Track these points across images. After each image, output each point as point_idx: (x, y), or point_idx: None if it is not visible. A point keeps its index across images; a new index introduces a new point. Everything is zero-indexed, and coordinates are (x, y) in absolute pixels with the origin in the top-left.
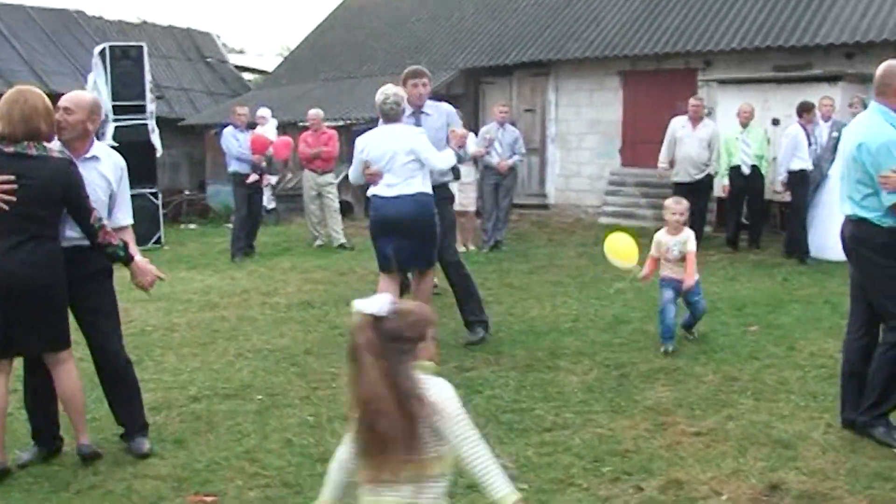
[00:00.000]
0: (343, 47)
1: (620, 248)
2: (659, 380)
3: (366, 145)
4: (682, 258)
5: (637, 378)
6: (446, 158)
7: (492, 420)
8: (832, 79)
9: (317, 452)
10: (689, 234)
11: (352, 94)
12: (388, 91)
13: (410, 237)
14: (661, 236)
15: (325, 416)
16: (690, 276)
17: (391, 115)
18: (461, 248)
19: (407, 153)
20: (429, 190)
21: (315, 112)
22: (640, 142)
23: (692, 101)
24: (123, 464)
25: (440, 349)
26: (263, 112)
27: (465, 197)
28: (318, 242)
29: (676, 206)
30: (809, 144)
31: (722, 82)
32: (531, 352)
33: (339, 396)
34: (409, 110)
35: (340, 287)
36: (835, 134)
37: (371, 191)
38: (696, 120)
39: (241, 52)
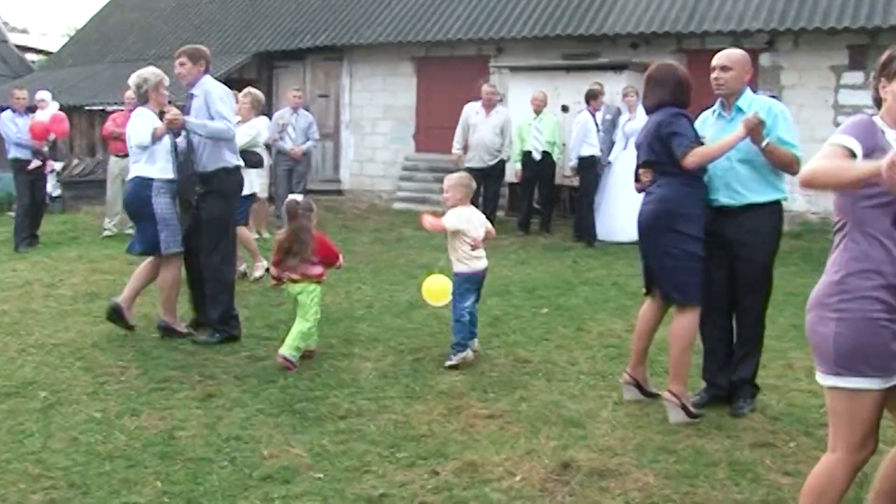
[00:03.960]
0: (131, 28)
1: (436, 290)
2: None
3: None
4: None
5: (431, 363)
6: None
7: (286, 409)
8: (618, 67)
9: (105, 450)
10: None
11: None
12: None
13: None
14: (465, 212)
15: (113, 411)
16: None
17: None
18: (255, 235)
19: None
20: (148, 174)
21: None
22: (434, 127)
23: (486, 87)
24: None
25: (233, 341)
26: (43, 95)
27: (257, 183)
28: (107, 232)
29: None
30: (598, 131)
31: (513, 69)
32: (325, 339)
33: (128, 391)
34: None
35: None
36: (608, 117)
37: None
38: (489, 106)
39: (23, 31)
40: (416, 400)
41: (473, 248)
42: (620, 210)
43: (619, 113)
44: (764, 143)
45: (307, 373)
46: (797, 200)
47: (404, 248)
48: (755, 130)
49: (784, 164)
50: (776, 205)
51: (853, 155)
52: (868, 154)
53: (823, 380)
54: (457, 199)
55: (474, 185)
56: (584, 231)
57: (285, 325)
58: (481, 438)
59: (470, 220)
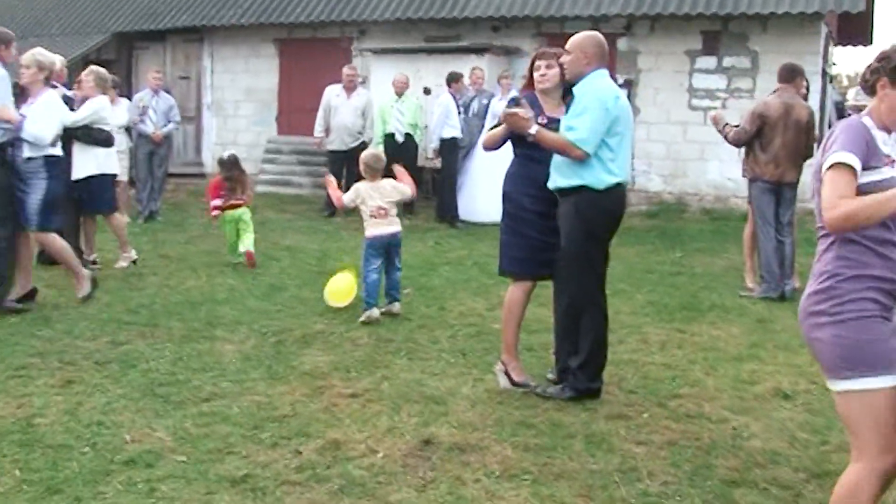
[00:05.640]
0: None
1: (339, 291)
2: (315, 345)
3: None
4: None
5: (294, 344)
6: None
7: (148, 394)
8: (479, 50)
9: None
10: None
11: None
12: None
13: None
14: (363, 185)
15: None
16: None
17: None
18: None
19: None
20: None
21: None
22: (297, 110)
23: (346, 69)
24: None
25: (91, 324)
26: None
27: (117, 165)
28: None
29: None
30: (459, 113)
31: (376, 52)
32: (187, 323)
33: None
34: None
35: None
36: (484, 101)
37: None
38: (350, 89)
39: None
40: (278, 381)
41: (372, 216)
42: (482, 191)
43: (493, 97)
44: (531, 131)
45: (169, 356)
46: (653, 180)
47: (267, 230)
48: (515, 123)
49: (556, 151)
50: (580, 192)
51: (854, 172)
52: (864, 166)
53: (833, 385)
54: (366, 176)
55: (375, 161)
56: (447, 212)
57: (146, 310)
58: (344, 417)
59: (367, 194)
